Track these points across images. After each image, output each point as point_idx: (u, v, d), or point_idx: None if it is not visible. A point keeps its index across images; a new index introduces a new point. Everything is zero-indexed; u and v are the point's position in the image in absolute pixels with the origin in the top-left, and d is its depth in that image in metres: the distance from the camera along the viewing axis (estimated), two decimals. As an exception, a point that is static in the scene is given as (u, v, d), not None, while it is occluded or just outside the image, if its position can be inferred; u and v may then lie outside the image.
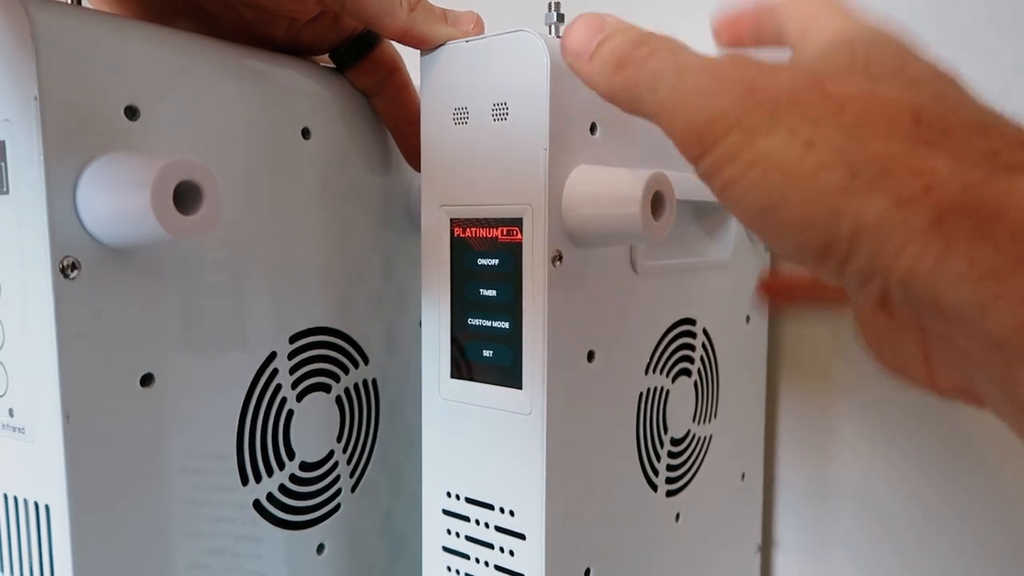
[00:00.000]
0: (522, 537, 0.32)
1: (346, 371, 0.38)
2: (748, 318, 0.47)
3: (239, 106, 0.32)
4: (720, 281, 0.44)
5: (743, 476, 0.49)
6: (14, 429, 0.28)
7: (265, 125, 0.33)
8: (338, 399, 0.38)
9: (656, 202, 0.30)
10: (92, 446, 0.27)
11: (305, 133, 0.35)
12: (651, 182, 0.29)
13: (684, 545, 0.42)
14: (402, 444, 0.42)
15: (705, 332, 0.42)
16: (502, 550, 0.33)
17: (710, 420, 0.44)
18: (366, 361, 0.39)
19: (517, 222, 0.31)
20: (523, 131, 0.30)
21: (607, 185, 0.30)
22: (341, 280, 0.37)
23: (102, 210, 0.26)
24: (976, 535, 0.47)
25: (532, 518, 0.32)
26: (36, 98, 0.25)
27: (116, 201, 0.25)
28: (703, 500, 0.44)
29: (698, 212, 0.43)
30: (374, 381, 0.40)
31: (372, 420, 0.40)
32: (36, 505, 0.27)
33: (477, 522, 0.34)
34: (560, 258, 0.31)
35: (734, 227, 0.43)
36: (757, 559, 0.52)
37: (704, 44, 0.54)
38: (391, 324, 0.40)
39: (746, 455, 0.49)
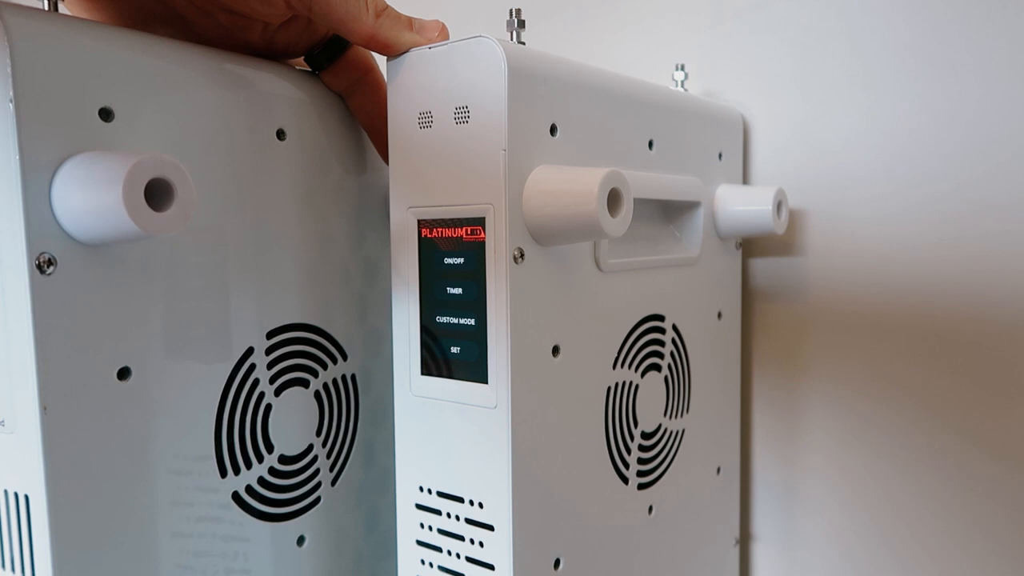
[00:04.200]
0: (491, 528, 0.33)
1: (324, 367, 0.39)
2: (720, 314, 0.48)
3: (214, 108, 0.33)
4: (690, 278, 0.44)
5: (719, 470, 0.50)
6: (-6, 421, 0.29)
7: (240, 127, 0.34)
8: (316, 394, 0.38)
9: (613, 199, 0.31)
10: (70, 437, 0.28)
11: (280, 134, 0.36)
12: (607, 179, 0.30)
13: (659, 538, 0.43)
14: (388, 444, 0.42)
15: (675, 328, 0.43)
16: (472, 542, 0.34)
17: (682, 414, 0.45)
18: (344, 357, 0.40)
19: (480, 221, 0.32)
20: (484, 133, 0.31)
21: (565, 183, 0.31)
22: (317, 277, 0.38)
23: (76, 207, 0.27)
24: (948, 526, 0.47)
25: (500, 509, 0.33)
26: (11, 100, 0.26)
27: (90, 198, 0.26)
28: (678, 494, 0.45)
29: (665, 210, 0.44)
30: (353, 377, 0.40)
31: (351, 415, 0.40)
32: (16, 495, 0.28)
33: (448, 515, 0.35)
34: (522, 256, 0.32)
35: (702, 225, 0.44)
36: (735, 552, 0.53)
37: (676, 49, 0.54)
38: (372, 321, 0.41)
39: (721, 449, 0.50)
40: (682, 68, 0.49)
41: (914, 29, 0.46)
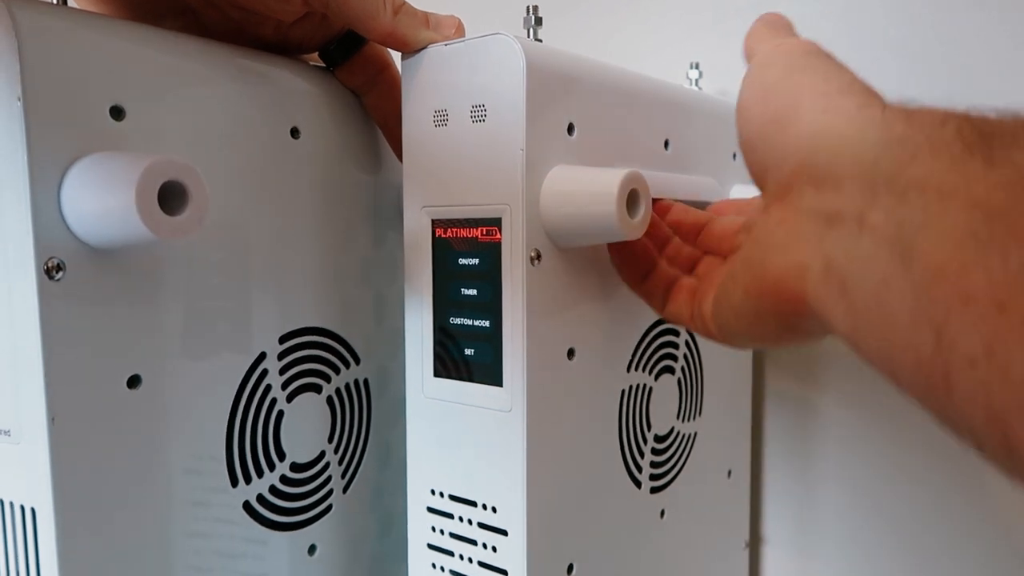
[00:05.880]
0: (504, 533, 0.33)
1: (337, 371, 0.38)
2: (731, 316, 0.48)
3: (227, 106, 0.32)
4: (703, 280, 0.44)
5: (730, 473, 0.49)
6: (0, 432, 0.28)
7: (253, 125, 0.33)
8: (329, 399, 0.38)
9: (631, 200, 0.30)
10: (78, 448, 0.27)
11: (294, 132, 0.35)
12: (626, 180, 0.30)
13: (670, 541, 0.43)
14: (401, 447, 0.42)
15: (688, 330, 0.43)
16: (485, 546, 0.33)
17: (695, 417, 0.44)
18: (357, 361, 0.39)
19: (496, 222, 0.31)
20: (501, 132, 0.31)
21: (583, 184, 0.30)
22: (331, 280, 0.37)
23: (87, 210, 0.26)
24: (961, 529, 0.47)
25: (513, 514, 0.32)
26: (20, 99, 0.25)
27: (101, 201, 0.25)
28: (689, 497, 0.44)
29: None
30: (366, 381, 0.40)
31: (364, 420, 0.40)
32: (23, 508, 0.28)
33: (461, 519, 0.34)
34: (539, 257, 0.31)
35: (716, 226, 0.44)
36: (745, 555, 0.52)
37: (688, 49, 0.53)
38: (385, 324, 0.40)
39: (732, 452, 0.50)
40: (696, 67, 0.49)
41: (915, 29, 0.46)
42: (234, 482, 0.33)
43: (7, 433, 0.28)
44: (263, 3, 0.32)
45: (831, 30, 0.49)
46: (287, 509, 0.36)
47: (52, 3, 0.28)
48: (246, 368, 0.33)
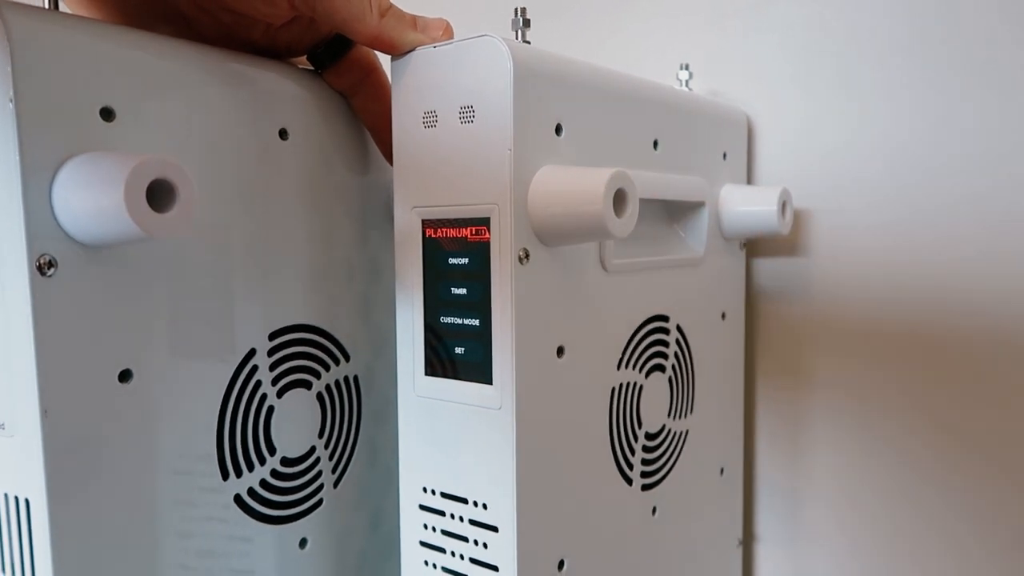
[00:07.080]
0: (495, 530, 0.33)
1: (327, 368, 0.38)
2: (724, 315, 0.48)
3: (215, 108, 0.32)
4: (694, 278, 0.44)
5: (722, 471, 0.49)
6: (-6, 424, 0.28)
7: (242, 126, 0.33)
8: (319, 395, 0.38)
9: (619, 199, 0.30)
10: (70, 441, 0.28)
11: (283, 134, 0.35)
12: (613, 180, 0.30)
13: (663, 538, 0.43)
14: (391, 444, 0.42)
15: (679, 328, 0.43)
16: (476, 543, 0.34)
17: (686, 415, 0.45)
18: (347, 358, 0.39)
19: (485, 221, 0.31)
20: (489, 133, 0.31)
21: (571, 184, 0.31)
22: (320, 278, 0.38)
23: (78, 208, 0.26)
24: (952, 525, 0.47)
25: (504, 511, 0.32)
26: (12, 100, 0.26)
27: (91, 199, 0.26)
28: (681, 494, 0.44)
29: (670, 210, 0.44)
30: (355, 378, 0.40)
31: (354, 417, 0.40)
32: (16, 499, 0.28)
33: (452, 516, 0.34)
34: (527, 256, 0.31)
35: (707, 225, 0.44)
36: (739, 553, 0.53)
37: (685, 46, 0.53)
38: (375, 322, 0.41)
39: (725, 450, 0.50)
40: (686, 67, 0.49)
41: (913, 27, 0.46)
42: (225, 475, 0.34)
43: (1, 426, 0.28)
44: (252, 7, 0.32)
45: (832, 28, 0.49)
46: (278, 503, 0.36)
47: (44, 8, 0.28)
48: (236, 364, 0.34)
